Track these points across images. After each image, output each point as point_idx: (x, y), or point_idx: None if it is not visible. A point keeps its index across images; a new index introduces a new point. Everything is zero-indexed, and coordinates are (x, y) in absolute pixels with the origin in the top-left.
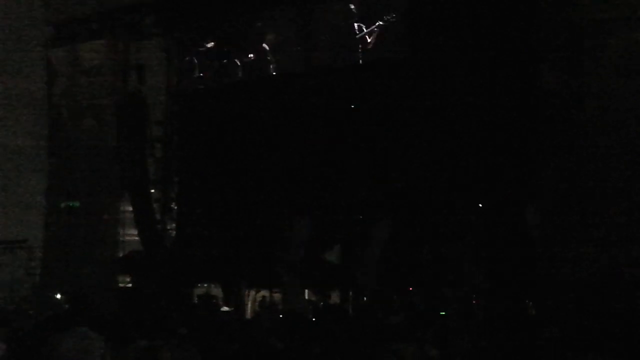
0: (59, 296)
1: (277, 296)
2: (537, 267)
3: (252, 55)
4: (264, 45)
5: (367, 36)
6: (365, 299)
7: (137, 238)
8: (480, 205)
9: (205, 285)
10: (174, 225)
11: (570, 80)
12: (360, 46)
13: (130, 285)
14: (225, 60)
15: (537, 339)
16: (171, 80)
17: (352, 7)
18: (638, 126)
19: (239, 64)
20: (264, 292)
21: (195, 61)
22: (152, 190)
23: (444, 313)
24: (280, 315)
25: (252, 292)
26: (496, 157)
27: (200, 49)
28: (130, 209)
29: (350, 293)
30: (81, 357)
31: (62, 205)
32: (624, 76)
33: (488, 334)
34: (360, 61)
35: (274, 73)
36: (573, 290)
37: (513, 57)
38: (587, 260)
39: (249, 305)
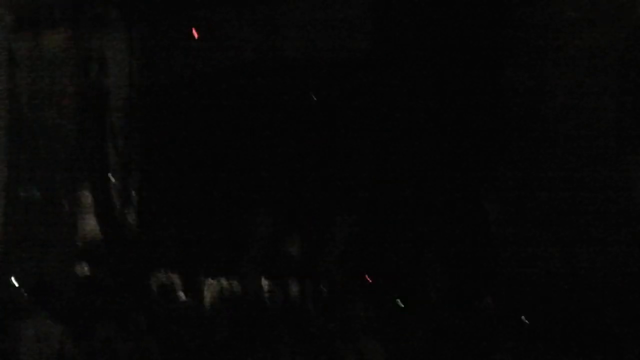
0: (16, 284)
1: (236, 286)
2: (496, 260)
3: (216, 47)
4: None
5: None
6: (325, 291)
7: (96, 227)
8: (442, 197)
9: (164, 274)
10: (133, 214)
11: (534, 76)
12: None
13: (88, 274)
14: (189, 53)
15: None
16: (134, 71)
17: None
18: (601, 122)
19: (203, 56)
20: (223, 282)
21: (159, 53)
22: (113, 180)
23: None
24: (239, 306)
25: (211, 282)
26: (459, 150)
27: (165, 41)
28: (90, 198)
29: (310, 285)
30: (40, 345)
31: (22, 194)
32: (588, 73)
33: (444, 329)
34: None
35: (237, 66)
36: (533, 285)
37: (475, 52)
38: (547, 256)
39: (208, 294)
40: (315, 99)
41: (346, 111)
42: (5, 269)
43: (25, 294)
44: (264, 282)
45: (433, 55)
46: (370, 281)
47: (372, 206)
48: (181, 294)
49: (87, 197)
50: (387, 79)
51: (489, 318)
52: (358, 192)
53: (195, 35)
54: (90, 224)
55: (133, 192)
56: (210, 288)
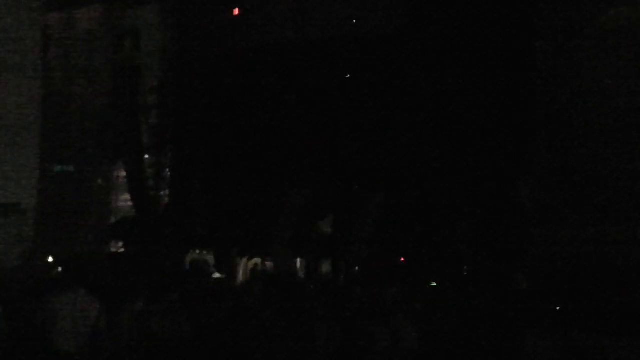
0: (51, 259)
1: (269, 264)
2: (527, 241)
3: (249, 22)
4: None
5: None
6: (357, 270)
7: (130, 204)
8: (473, 178)
9: (198, 251)
10: (167, 192)
11: (565, 56)
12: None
13: (122, 251)
14: (223, 27)
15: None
16: (167, 46)
17: None
18: (631, 100)
19: (236, 30)
20: (256, 260)
21: (192, 27)
22: (146, 157)
23: (435, 284)
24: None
25: (245, 260)
26: (490, 131)
27: (197, 15)
28: (124, 174)
29: (342, 264)
30: (75, 320)
31: (56, 169)
32: (618, 50)
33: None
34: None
35: (273, 41)
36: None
37: (506, 31)
38: (576, 237)
39: (241, 272)
40: (348, 75)
41: (376, 89)
42: (40, 244)
43: (60, 270)
44: (296, 261)
45: (461, 34)
46: (401, 260)
47: (402, 185)
48: (215, 272)
49: (120, 174)
50: (417, 56)
51: (520, 296)
52: (388, 171)
53: (236, 12)
54: (123, 201)
55: (167, 170)
56: (244, 266)
